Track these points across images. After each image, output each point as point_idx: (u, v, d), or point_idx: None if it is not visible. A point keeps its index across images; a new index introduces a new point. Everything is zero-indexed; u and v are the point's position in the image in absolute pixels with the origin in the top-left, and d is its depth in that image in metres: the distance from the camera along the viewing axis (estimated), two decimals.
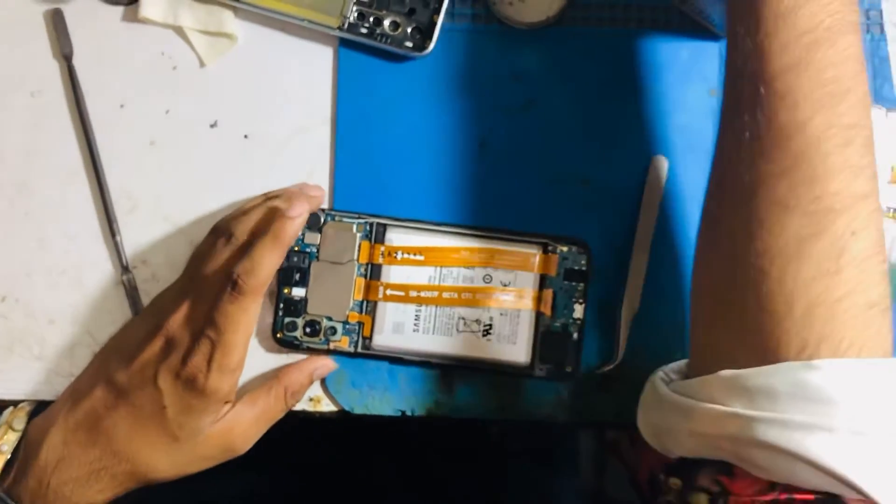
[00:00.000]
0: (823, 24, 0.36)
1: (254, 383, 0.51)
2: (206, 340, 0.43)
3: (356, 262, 0.50)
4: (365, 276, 0.50)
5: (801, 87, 0.36)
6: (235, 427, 0.46)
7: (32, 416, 0.47)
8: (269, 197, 0.49)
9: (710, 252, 0.40)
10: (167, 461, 0.44)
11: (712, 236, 0.40)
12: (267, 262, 0.44)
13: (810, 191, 0.35)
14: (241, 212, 0.48)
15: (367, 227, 0.50)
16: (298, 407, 0.51)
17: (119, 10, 0.53)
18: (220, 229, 0.47)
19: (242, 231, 0.46)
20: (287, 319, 0.50)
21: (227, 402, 0.46)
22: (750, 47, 0.37)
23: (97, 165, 0.51)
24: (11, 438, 0.45)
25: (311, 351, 0.50)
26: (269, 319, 0.50)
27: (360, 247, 0.50)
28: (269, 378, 0.49)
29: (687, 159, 0.52)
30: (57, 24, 0.52)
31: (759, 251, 0.36)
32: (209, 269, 0.45)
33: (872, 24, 0.52)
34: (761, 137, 0.37)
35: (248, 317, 0.44)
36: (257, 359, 0.51)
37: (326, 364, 0.50)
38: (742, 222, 0.37)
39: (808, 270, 0.35)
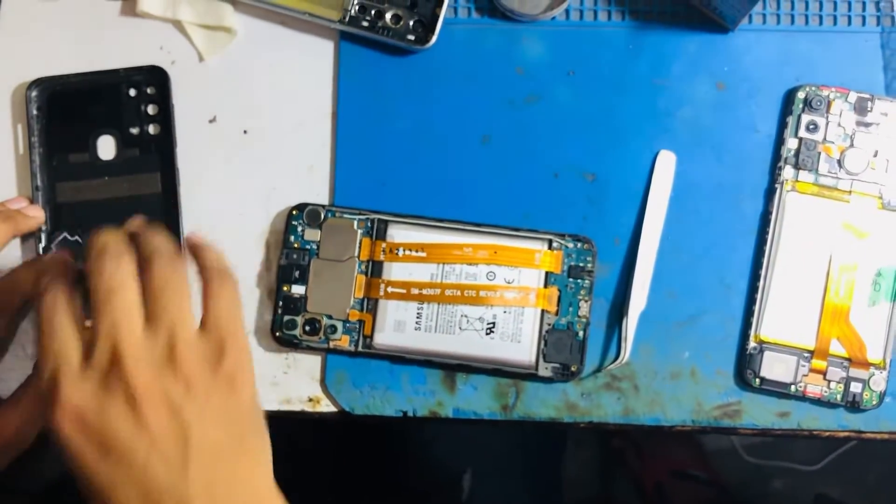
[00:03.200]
0: None
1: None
2: None
3: (357, 259, 0.49)
4: (366, 274, 0.49)
5: None
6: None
7: None
8: None
9: None
10: None
11: None
12: None
13: None
14: None
15: (368, 224, 0.49)
16: (297, 407, 0.50)
17: (117, 4, 0.52)
18: None
19: None
20: (286, 318, 0.49)
21: None
22: None
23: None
24: None
25: (311, 350, 0.49)
26: (269, 317, 0.49)
27: (360, 243, 0.49)
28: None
29: (694, 153, 0.51)
30: None
31: None
32: None
33: (883, 16, 0.51)
34: None
35: None
36: (257, 358, 0.49)
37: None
38: None
39: None
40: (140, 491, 0.33)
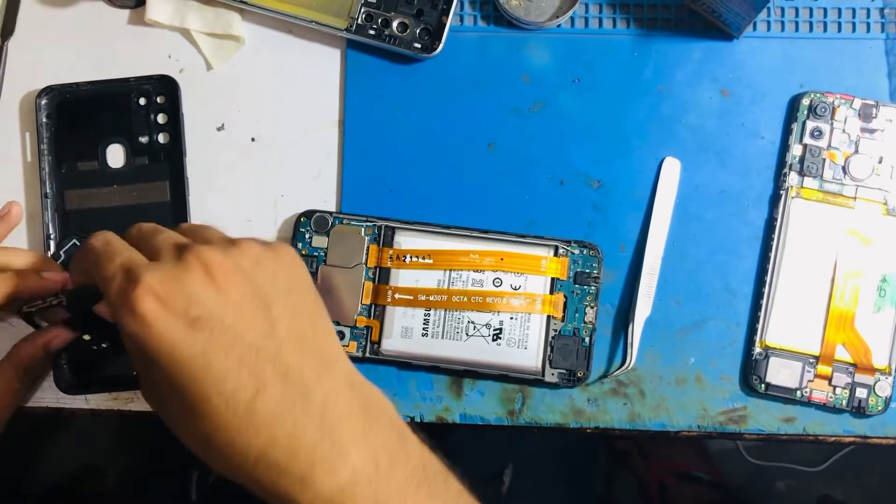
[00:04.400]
0: None
1: None
2: None
3: (364, 266, 0.49)
4: (373, 280, 0.49)
5: None
6: None
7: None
8: None
9: None
10: None
11: None
12: None
13: None
14: None
15: (376, 231, 0.50)
16: None
17: (125, 12, 0.53)
18: None
19: None
20: None
21: None
22: None
23: None
24: None
25: None
26: None
27: (368, 250, 0.50)
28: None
29: (699, 160, 0.51)
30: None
31: None
32: None
33: (888, 23, 0.51)
34: None
35: None
36: None
37: (59, 335, 0.46)
38: None
39: None
40: (236, 355, 0.33)
